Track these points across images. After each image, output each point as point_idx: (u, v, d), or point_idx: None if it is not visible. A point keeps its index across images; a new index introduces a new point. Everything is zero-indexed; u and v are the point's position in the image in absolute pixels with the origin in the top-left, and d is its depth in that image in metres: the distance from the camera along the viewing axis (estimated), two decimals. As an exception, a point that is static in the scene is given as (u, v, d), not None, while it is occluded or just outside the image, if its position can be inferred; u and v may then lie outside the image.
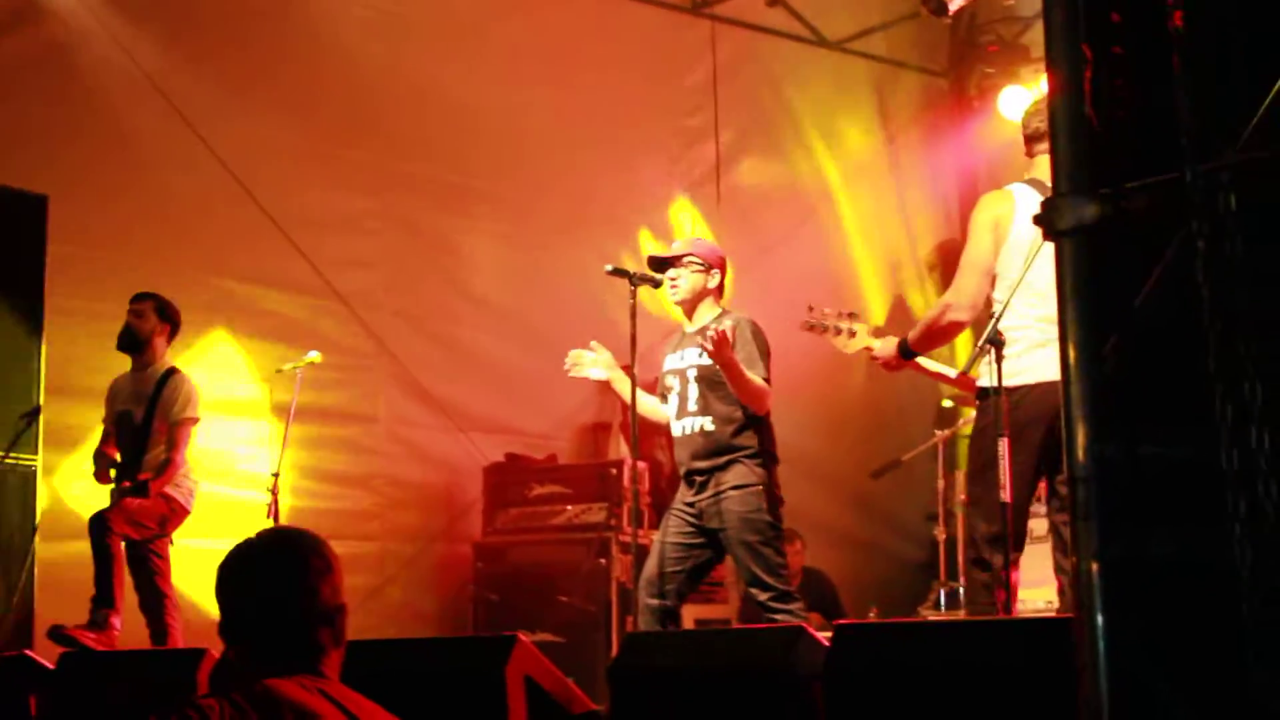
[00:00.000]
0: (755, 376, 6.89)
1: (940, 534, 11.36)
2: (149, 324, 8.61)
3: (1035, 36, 13.20)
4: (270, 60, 10.45)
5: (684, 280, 7.21)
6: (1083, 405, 2.53)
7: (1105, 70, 2.55)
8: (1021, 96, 12.38)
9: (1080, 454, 2.51)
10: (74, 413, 8.86)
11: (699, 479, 7.05)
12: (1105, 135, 2.56)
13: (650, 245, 11.31)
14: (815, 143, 13.21)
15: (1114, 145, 2.54)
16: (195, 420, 8.50)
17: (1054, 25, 2.62)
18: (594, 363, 7.33)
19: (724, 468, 6.99)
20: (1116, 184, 2.53)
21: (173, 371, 8.55)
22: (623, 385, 7.31)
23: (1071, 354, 2.56)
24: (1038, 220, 2.63)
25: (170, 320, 8.66)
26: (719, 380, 6.99)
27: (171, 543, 8.48)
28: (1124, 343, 2.51)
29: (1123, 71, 2.54)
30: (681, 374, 7.19)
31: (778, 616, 6.78)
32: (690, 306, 7.27)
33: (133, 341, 8.60)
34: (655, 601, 6.99)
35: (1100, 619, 2.46)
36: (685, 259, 7.25)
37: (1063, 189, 2.60)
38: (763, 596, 6.88)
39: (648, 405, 7.46)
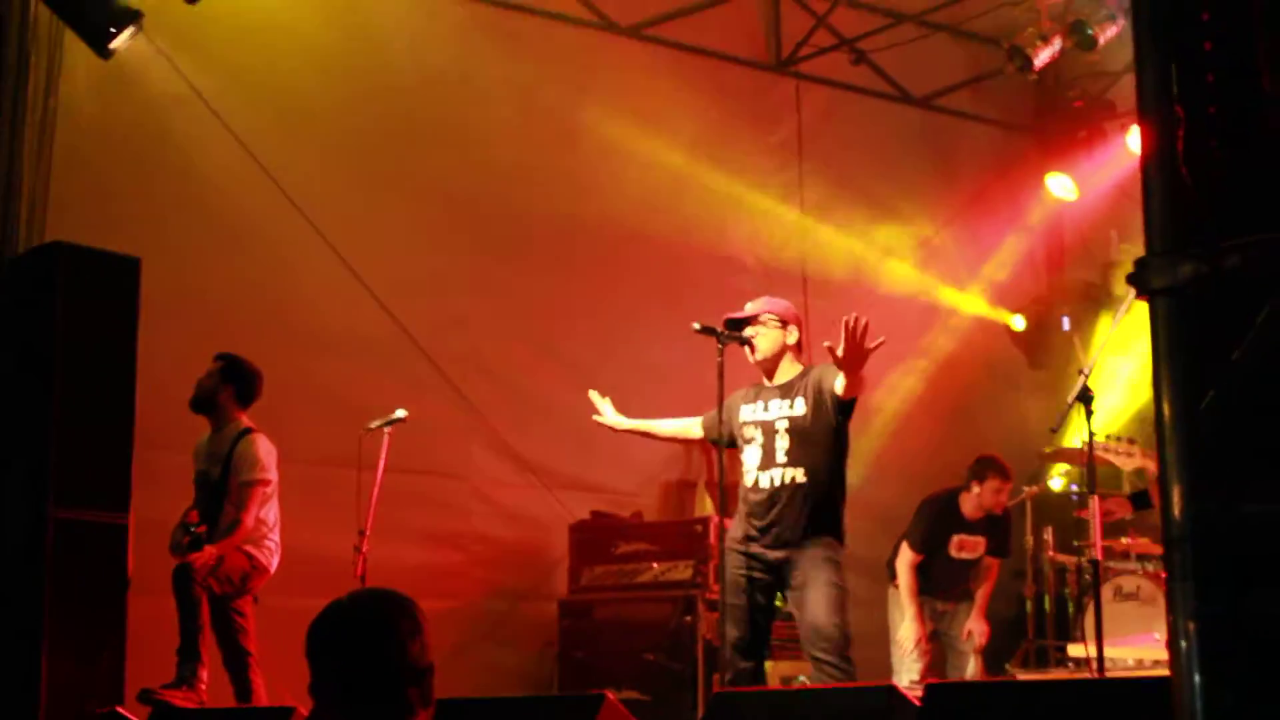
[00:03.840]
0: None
1: (1029, 591, 11.25)
2: (209, 384, 8.69)
3: (1121, 91, 13.17)
4: (359, 123, 10.61)
5: (763, 338, 7.24)
6: (1178, 465, 2.51)
7: (1198, 130, 2.54)
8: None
9: (1177, 513, 2.49)
10: (164, 470, 8.93)
11: (774, 530, 7.05)
12: (1199, 194, 2.55)
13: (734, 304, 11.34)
14: (901, 199, 13.17)
15: (1208, 204, 2.53)
16: (267, 482, 8.55)
17: (1146, 85, 2.62)
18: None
19: (812, 519, 6.98)
20: (1211, 243, 2.52)
21: (246, 432, 8.62)
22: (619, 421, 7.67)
23: (1166, 413, 2.54)
24: (1130, 279, 2.62)
25: (236, 381, 8.70)
26: (810, 431, 7.04)
27: (255, 601, 8.54)
28: (1220, 401, 2.49)
29: (1216, 131, 2.53)
30: (767, 425, 7.18)
31: (835, 669, 6.76)
32: (771, 365, 7.29)
33: (196, 401, 8.70)
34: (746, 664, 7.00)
35: (1197, 679, 2.43)
36: (762, 317, 7.28)
37: (1156, 248, 2.59)
38: (832, 639, 6.83)
39: (666, 427, 7.76)
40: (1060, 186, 13.23)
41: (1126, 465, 9.39)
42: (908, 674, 9.46)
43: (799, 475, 7.06)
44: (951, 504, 9.90)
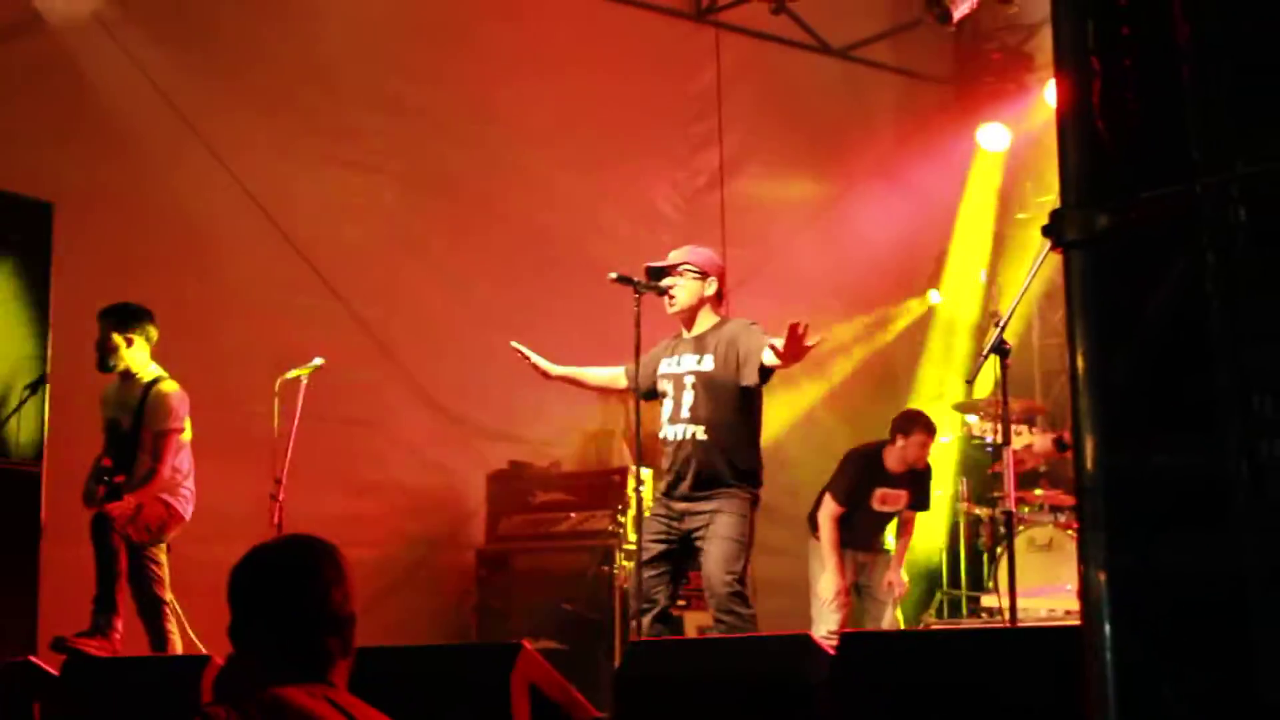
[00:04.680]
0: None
1: (943, 542, 11.33)
2: (110, 342, 8.55)
3: (1039, 44, 13.24)
4: (276, 68, 10.53)
5: (680, 290, 7.21)
6: (1091, 416, 2.53)
7: (1114, 83, 2.55)
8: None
9: (1089, 464, 2.51)
10: (79, 418, 8.85)
11: (680, 484, 7.08)
12: (1114, 147, 2.56)
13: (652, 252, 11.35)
14: (819, 149, 13.20)
15: (1123, 157, 2.55)
16: (179, 430, 8.46)
17: (1063, 38, 2.63)
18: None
19: (714, 474, 7.01)
20: (1125, 196, 2.53)
21: (156, 381, 8.50)
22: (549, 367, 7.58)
23: (1080, 364, 2.56)
24: (1046, 231, 2.63)
25: (130, 329, 8.54)
26: (716, 388, 7.03)
27: (169, 549, 8.49)
28: (1132, 353, 2.51)
29: (1132, 84, 2.55)
30: (677, 379, 7.18)
31: (728, 618, 6.81)
32: (689, 316, 7.26)
33: (102, 361, 8.58)
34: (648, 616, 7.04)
35: (1108, 629, 2.46)
36: (681, 267, 7.25)
37: (1071, 200, 2.60)
38: (723, 590, 6.87)
39: (594, 375, 7.72)
40: (991, 137, 13.21)
41: (1016, 443, 9.46)
42: (826, 624, 9.51)
43: (699, 432, 7.05)
44: (876, 457, 9.91)
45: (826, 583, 9.67)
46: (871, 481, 9.86)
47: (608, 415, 11.39)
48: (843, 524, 9.78)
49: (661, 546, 7.09)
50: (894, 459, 9.88)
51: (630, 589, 7.70)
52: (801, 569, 10.18)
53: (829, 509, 9.76)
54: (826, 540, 9.72)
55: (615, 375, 7.62)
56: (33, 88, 9.49)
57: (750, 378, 6.95)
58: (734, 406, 7.06)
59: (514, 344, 7.55)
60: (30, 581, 8.22)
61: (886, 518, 9.99)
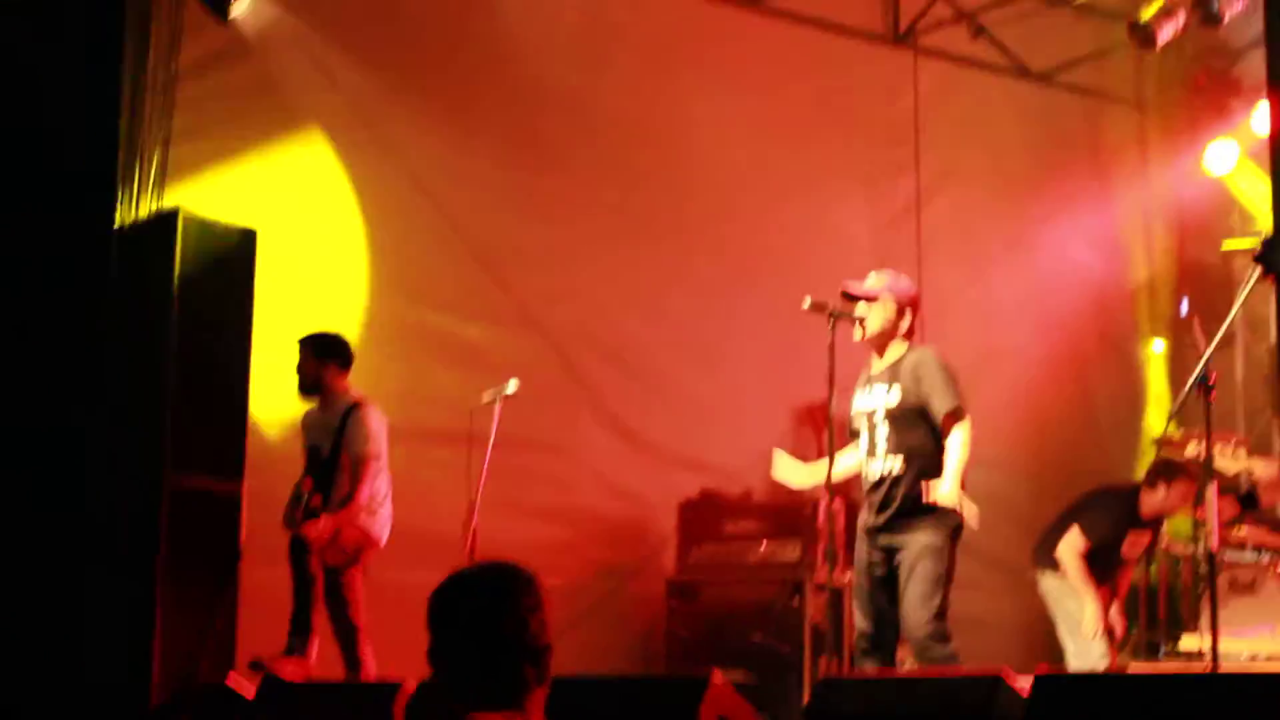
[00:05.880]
0: (958, 430, 6.88)
1: (1141, 581, 11.04)
2: (310, 368, 8.74)
3: (1246, 68, 12.94)
4: (474, 92, 10.62)
5: (873, 318, 7.14)
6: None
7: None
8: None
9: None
10: (278, 441, 9.00)
11: (882, 516, 7.04)
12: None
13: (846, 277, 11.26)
14: (1017, 175, 12.99)
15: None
16: (379, 455, 8.60)
17: (1276, 61, 2.55)
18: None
19: (914, 504, 6.93)
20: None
21: (356, 406, 8.64)
22: (817, 477, 7.44)
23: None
24: (1257, 259, 2.55)
25: (331, 356, 8.75)
26: (907, 418, 7.00)
27: (364, 573, 8.58)
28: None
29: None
30: (870, 414, 7.16)
31: (926, 657, 6.79)
32: (880, 345, 7.21)
33: (304, 388, 8.76)
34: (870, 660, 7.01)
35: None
36: (881, 296, 7.17)
37: (1285, 228, 2.52)
38: (920, 632, 6.82)
39: (847, 465, 7.49)
40: (1219, 156, 12.82)
41: (1231, 468, 9.07)
42: (1085, 659, 9.26)
43: (897, 466, 7.03)
44: (1133, 501, 9.59)
45: (1090, 615, 9.32)
46: (1127, 525, 9.56)
47: (799, 444, 11.28)
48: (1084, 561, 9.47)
49: (869, 583, 7.07)
50: (1151, 505, 9.54)
51: (823, 621, 7.64)
52: (993, 605, 9.93)
53: (1077, 544, 9.40)
54: (1078, 574, 9.34)
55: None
56: (234, 114, 9.67)
57: (934, 416, 6.92)
58: (926, 435, 7.02)
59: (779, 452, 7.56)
60: (229, 602, 8.36)
61: (1125, 562, 9.69)
